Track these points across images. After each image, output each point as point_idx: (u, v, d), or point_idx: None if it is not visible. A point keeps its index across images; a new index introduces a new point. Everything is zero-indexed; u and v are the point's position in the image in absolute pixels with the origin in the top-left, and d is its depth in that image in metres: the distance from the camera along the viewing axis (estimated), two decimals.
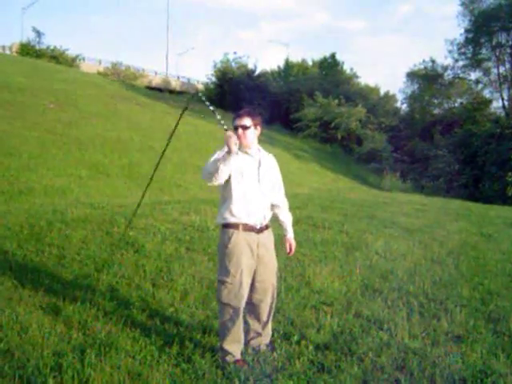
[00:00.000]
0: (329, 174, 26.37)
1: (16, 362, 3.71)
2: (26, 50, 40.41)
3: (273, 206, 4.17)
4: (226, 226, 3.94)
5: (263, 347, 4.16)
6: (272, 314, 4.21)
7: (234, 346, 3.92)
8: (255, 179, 3.93)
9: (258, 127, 4.00)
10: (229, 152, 3.60)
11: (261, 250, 3.97)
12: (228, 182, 3.87)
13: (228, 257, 3.90)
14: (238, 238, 3.87)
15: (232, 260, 3.88)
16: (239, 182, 3.87)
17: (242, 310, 3.92)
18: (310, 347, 4.26)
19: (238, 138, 3.84)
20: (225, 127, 3.67)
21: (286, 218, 4.28)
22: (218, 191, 4.04)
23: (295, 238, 4.34)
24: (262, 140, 4.08)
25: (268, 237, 4.06)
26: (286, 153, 26.07)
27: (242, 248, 3.87)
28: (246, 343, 4.15)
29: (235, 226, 3.89)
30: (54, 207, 9.27)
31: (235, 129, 3.90)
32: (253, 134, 3.95)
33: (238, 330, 3.92)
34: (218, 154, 3.77)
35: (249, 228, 3.90)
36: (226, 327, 3.92)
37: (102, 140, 16.85)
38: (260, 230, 3.96)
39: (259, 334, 4.16)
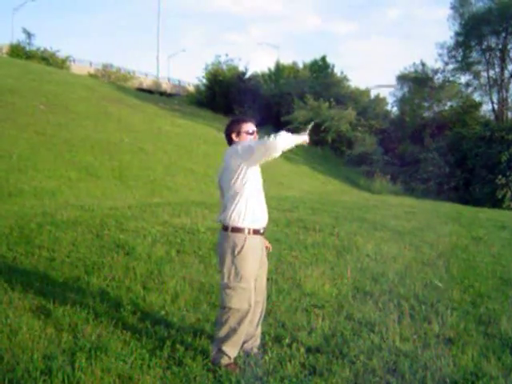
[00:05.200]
0: (319, 176, 26.36)
1: (5, 366, 3.68)
2: (16, 51, 40.14)
3: None
4: (237, 230, 3.83)
5: (255, 350, 4.15)
6: (263, 314, 4.23)
7: (234, 349, 3.91)
8: (260, 183, 3.96)
9: None
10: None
11: (263, 252, 4.05)
12: (244, 184, 3.80)
13: (241, 261, 3.82)
14: (251, 243, 3.84)
15: (246, 265, 3.82)
16: (255, 186, 3.87)
17: (251, 312, 3.90)
18: (302, 350, 4.26)
19: None
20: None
21: None
22: (216, 188, 4.03)
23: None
24: None
25: (264, 239, 4.11)
26: None
27: (253, 252, 3.86)
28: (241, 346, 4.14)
29: (248, 230, 3.84)
30: (44, 209, 9.23)
31: (251, 134, 3.93)
32: None
33: (242, 333, 3.91)
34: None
35: (257, 232, 3.90)
36: (234, 331, 3.86)
37: (92, 142, 16.76)
38: (263, 233, 4.00)
39: (252, 336, 4.15)
